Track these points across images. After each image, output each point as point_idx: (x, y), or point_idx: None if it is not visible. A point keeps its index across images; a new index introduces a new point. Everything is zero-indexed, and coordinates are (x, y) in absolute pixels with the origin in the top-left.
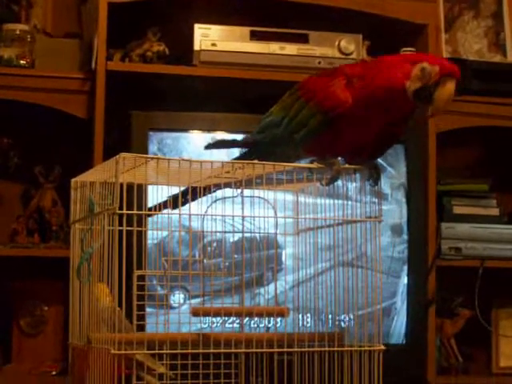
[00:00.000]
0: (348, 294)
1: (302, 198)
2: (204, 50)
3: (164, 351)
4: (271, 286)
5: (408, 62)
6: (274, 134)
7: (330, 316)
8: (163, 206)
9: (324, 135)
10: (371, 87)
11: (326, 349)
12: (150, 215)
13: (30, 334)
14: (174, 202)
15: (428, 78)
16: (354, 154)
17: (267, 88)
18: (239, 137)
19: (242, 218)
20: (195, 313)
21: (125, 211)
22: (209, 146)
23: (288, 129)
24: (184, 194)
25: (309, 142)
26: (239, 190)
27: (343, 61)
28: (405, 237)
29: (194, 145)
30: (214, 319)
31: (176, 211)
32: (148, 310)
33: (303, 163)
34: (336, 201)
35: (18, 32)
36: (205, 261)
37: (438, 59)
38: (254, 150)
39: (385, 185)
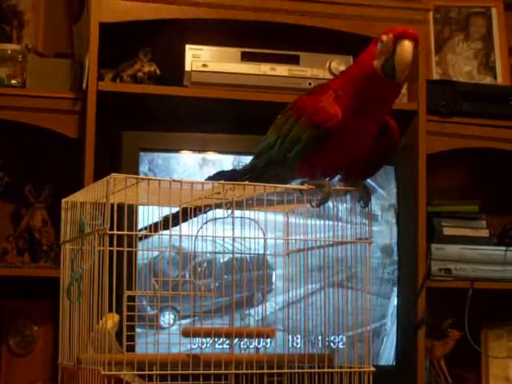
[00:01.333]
0: (338, 315)
1: (292, 219)
2: (195, 71)
3: (154, 372)
4: (261, 307)
5: (372, 44)
6: (268, 156)
7: (320, 337)
8: (155, 228)
9: (317, 152)
10: (352, 85)
11: (316, 370)
12: (140, 236)
13: (20, 353)
14: (165, 223)
15: (387, 48)
16: (346, 173)
17: (258, 109)
18: (238, 164)
19: (233, 238)
20: (187, 333)
21: (115, 232)
22: (210, 178)
23: (281, 149)
24: (175, 215)
25: (302, 159)
26: (230, 211)
27: None
28: (395, 258)
29: (185, 165)
30: (204, 340)
31: (167, 232)
32: (138, 330)
33: (294, 184)
34: (326, 222)
35: (9, 52)
36: (195, 281)
37: (392, 28)
38: (250, 175)
39: (375, 206)
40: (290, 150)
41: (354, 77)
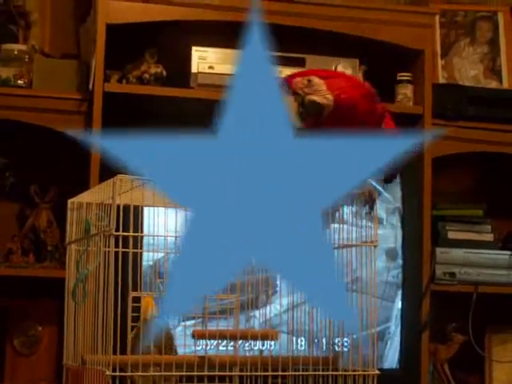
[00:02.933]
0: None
1: None
2: (201, 73)
3: (159, 373)
4: (266, 309)
5: None
6: None
7: (324, 339)
8: None
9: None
10: None
11: (321, 373)
12: None
13: (24, 353)
14: None
15: None
16: None
17: None
18: None
19: None
20: (198, 335)
21: (121, 233)
22: None
23: None
24: None
25: None
26: None
27: None
28: (399, 261)
29: None
30: (208, 341)
31: (172, 233)
32: None
33: None
34: (332, 225)
35: (16, 52)
36: None
37: None
38: None
39: (380, 209)
40: None
41: None
